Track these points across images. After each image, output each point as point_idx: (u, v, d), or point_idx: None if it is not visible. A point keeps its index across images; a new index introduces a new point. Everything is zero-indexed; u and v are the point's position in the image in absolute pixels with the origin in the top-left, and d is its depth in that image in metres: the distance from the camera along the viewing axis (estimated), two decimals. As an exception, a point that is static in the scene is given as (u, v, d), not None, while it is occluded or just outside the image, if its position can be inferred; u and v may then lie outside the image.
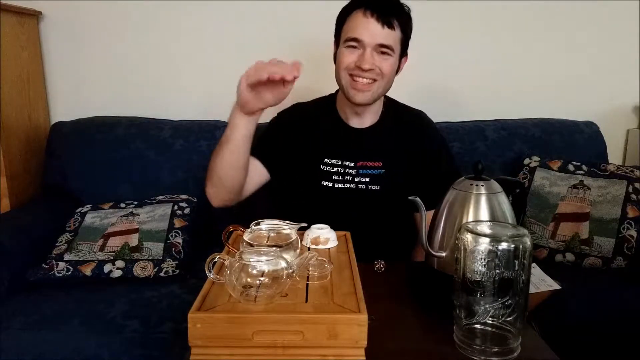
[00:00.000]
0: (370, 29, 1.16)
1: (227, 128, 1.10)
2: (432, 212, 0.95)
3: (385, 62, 1.19)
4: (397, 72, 1.26)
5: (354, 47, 1.18)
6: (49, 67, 1.98)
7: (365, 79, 1.19)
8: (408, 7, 1.22)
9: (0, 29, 1.68)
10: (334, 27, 1.26)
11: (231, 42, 1.97)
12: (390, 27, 1.16)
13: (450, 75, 2.00)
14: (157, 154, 1.80)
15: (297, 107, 1.38)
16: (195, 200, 1.72)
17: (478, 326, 0.78)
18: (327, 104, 1.35)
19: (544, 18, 1.97)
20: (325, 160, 1.29)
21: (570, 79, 2.03)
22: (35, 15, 1.89)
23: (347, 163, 1.29)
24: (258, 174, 1.28)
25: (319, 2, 1.90)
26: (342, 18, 1.22)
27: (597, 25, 1.99)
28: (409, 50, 1.28)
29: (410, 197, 0.94)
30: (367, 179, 1.28)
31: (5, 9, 1.71)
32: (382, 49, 1.18)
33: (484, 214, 0.87)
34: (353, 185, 1.28)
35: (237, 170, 1.15)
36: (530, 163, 1.74)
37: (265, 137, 1.33)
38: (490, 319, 0.77)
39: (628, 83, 2.01)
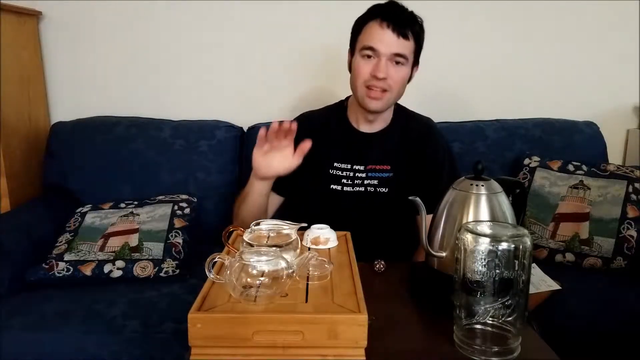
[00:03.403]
0: (385, 39, 1.20)
1: (248, 184, 1.25)
2: (430, 216, 0.95)
3: (399, 71, 1.23)
4: (408, 80, 1.29)
5: (369, 56, 1.22)
6: (49, 67, 1.97)
7: (379, 88, 1.23)
8: (421, 19, 1.26)
9: (0, 29, 1.68)
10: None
11: (232, 42, 1.97)
12: (405, 37, 1.21)
13: (450, 75, 2.00)
14: (157, 154, 1.80)
15: (305, 117, 1.40)
16: (195, 200, 1.72)
17: (478, 326, 0.78)
18: (337, 110, 1.39)
19: (544, 18, 1.97)
20: (336, 164, 1.33)
21: (570, 79, 2.03)
22: (35, 15, 1.89)
23: (357, 167, 1.32)
24: (275, 203, 1.37)
25: (317, 3, 1.91)
26: (358, 28, 1.26)
27: (597, 26, 1.99)
28: None
29: (410, 197, 0.95)
30: (375, 182, 1.31)
31: (5, 9, 1.70)
32: (397, 58, 1.22)
33: (484, 214, 0.87)
34: (362, 189, 1.31)
35: (257, 214, 1.26)
36: (530, 163, 1.74)
37: None
38: (490, 319, 0.77)
39: (628, 83, 2.01)
